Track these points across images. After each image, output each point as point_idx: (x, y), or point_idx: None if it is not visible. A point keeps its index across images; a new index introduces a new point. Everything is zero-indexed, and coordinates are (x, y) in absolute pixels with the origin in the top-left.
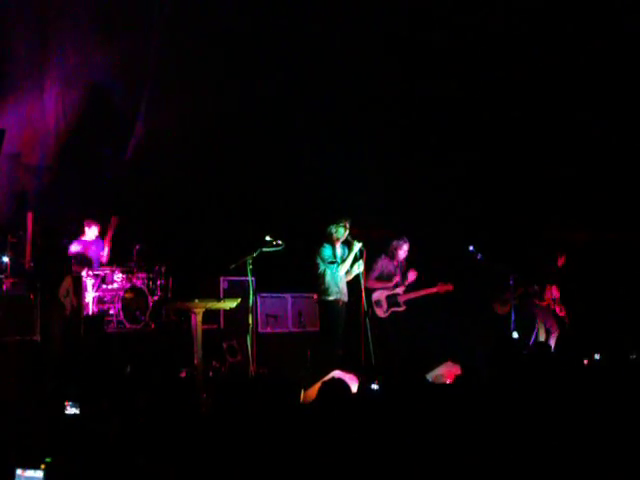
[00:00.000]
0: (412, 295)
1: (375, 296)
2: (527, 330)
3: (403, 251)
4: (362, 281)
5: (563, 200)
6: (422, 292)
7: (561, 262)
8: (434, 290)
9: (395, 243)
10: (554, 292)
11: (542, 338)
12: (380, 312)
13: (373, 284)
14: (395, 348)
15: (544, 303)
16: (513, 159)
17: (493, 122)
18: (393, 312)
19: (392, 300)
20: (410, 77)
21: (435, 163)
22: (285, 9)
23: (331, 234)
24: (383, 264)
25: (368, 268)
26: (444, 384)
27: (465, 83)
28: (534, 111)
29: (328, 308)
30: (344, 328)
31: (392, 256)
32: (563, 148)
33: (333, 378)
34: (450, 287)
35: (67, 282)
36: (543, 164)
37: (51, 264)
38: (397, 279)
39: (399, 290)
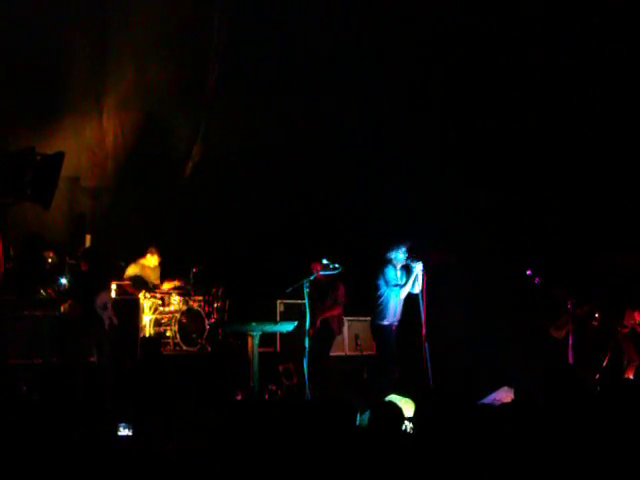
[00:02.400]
0: None
1: None
2: (587, 356)
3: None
4: (422, 304)
5: (623, 224)
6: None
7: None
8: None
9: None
10: (637, 316)
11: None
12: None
13: None
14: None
15: (626, 330)
16: (572, 183)
17: (551, 146)
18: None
19: None
20: (469, 109)
21: (493, 187)
22: (338, 32)
23: (392, 258)
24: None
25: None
26: (496, 407)
27: (519, 111)
28: (593, 135)
29: (382, 332)
30: (399, 352)
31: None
32: (621, 172)
33: (385, 402)
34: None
35: (106, 296)
36: (601, 186)
37: (30, 273)
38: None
39: None
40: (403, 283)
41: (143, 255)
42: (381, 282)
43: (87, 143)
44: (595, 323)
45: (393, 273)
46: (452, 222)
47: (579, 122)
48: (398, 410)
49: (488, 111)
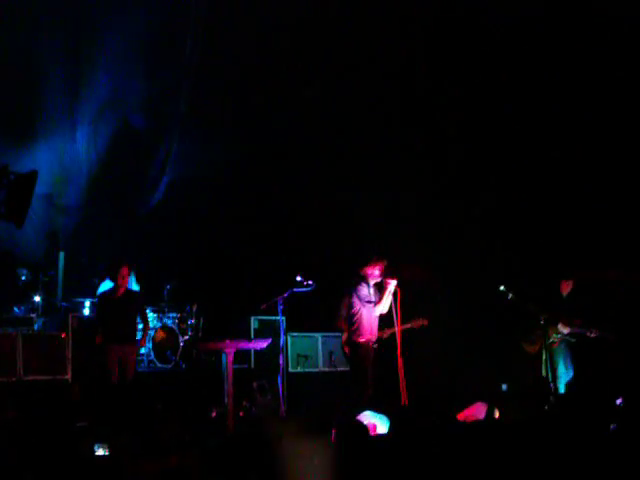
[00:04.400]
0: (385, 332)
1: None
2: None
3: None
4: (396, 320)
5: (595, 239)
6: (393, 329)
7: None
8: (407, 326)
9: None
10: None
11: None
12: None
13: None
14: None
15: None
16: (547, 198)
17: (525, 162)
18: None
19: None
20: (442, 118)
21: (467, 202)
22: (318, 52)
23: (366, 275)
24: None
25: (403, 306)
26: (472, 423)
27: (492, 126)
28: (570, 153)
29: (359, 349)
30: (374, 368)
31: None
32: (597, 185)
33: (351, 423)
34: (425, 322)
35: None
36: (578, 203)
37: (4, 291)
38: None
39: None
40: (376, 300)
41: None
42: (355, 299)
43: (60, 160)
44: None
45: (366, 290)
46: (428, 238)
47: (556, 136)
48: (363, 428)
49: (465, 123)
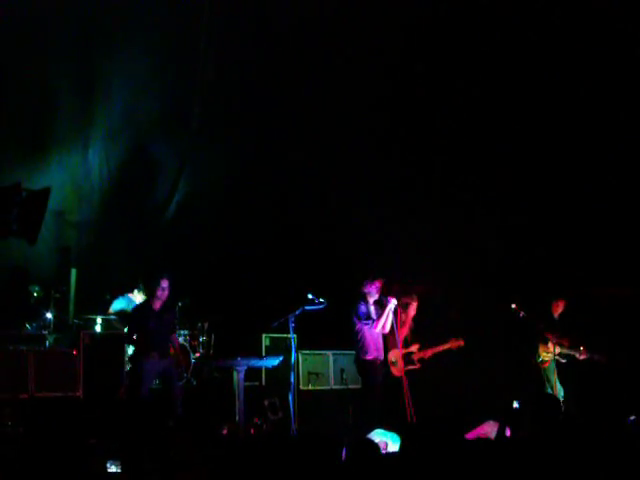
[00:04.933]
0: (427, 352)
1: (390, 356)
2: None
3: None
4: (397, 337)
5: (607, 257)
6: (436, 349)
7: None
8: (447, 346)
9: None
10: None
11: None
12: (395, 371)
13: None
14: (409, 406)
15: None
16: (557, 215)
17: (535, 178)
18: (408, 370)
19: (407, 359)
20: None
21: (476, 220)
22: (321, 61)
23: (365, 293)
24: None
25: (401, 324)
26: (483, 441)
27: (505, 143)
28: (577, 168)
29: (366, 367)
30: (384, 385)
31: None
32: (607, 202)
33: (363, 440)
34: (461, 342)
35: None
36: (584, 218)
37: (15, 308)
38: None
39: (413, 348)
40: (375, 319)
41: (131, 290)
42: (355, 318)
43: (73, 177)
44: (582, 356)
45: (364, 308)
46: (438, 255)
47: (558, 149)
48: (375, 447)
49: (468, 138)
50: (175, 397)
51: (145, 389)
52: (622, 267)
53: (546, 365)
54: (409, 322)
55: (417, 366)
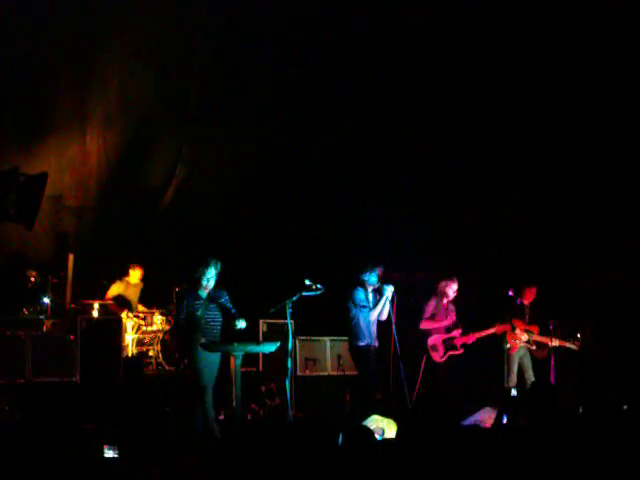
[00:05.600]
0: (470, 337)
1: (431, 341)
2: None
3: (452, 290)
4: (393, 326)
5: (608, 244)
6: (480, 334)
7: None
8: (492, 331)
9: (444, 283)
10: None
11: None
12: (437, 357)
13: (426, 324)
14: (452, 392)
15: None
16: (556, 202)
17: (532, 166)
18: (450, 356)
19: (449, 344)
20: (447, 121)
21: (476, 205)
22: (328, 56)
23: (363, 280)
24: (433, 305)
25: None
26: (480, 428)
27: (500, 130)
28: (579, 159)
29: (360, 353)
30: (380, 372)
31: (441, 296)
32: (607, 193)
33: (358, 426)
34: (508, 326)
35: None
36: (584, 205)
37: (13, 293)
38: (449, 321)
39: (455, 333)
40: (372, 306)
41: (126, 274)
42: (350, 304)
43: (70, 162)
44: (577, 344)
45: (362, 295)
46: (435, 242)
47: (554, 141)
48: (369, 433)
49: (462, 131)
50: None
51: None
52: (609, 254)
53: (513, 352)
54: (448, 305)
55: (460, 351)
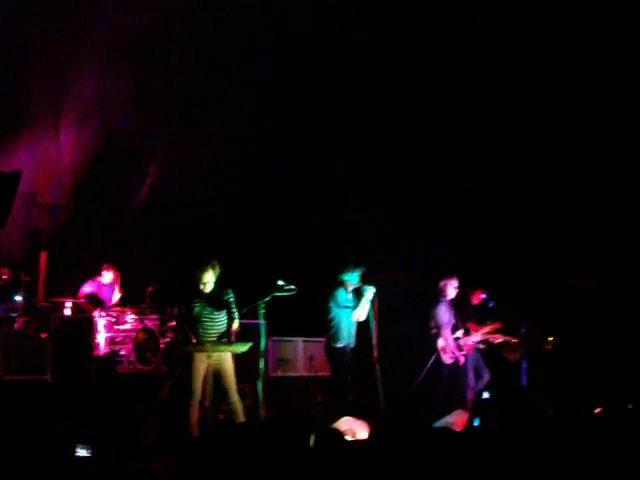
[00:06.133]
0: (472, 337)
1: (440, 343)
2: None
3: (454, 288)
4: (373, 328)
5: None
6: (479, 333)
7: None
8: (487, 329)
9: (444, 282)
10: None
11: None
12: (446, 358)
13: (447, 335)
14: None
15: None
16: (527, 205)
17: (500, 169)
18: (456, 357)
19: (455, 345)
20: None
21: (450, 208)
22: (303, 51)
23: (345, 280)
24: (444, 309)
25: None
26: (451, 431)
27: (471, 130)
28: (531, 157)
29: (336, 354)
30: (353, 374)
31: (444, 296)
32: (572, 194)
33: (328, 428)
34: (499, 324)
35: None
36: (556, 208)
37: None
38: (453, 321)
39: (459, 334)
40: (353, 306)
41: (99, 273)
42: (332, 304)
43: (44, 159)
44: (548, 347)
45: (344, 295)
46: (409, 244)
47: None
48: (339, 435)
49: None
50: None
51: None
52: (578, 258)
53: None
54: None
55: (463, 352)
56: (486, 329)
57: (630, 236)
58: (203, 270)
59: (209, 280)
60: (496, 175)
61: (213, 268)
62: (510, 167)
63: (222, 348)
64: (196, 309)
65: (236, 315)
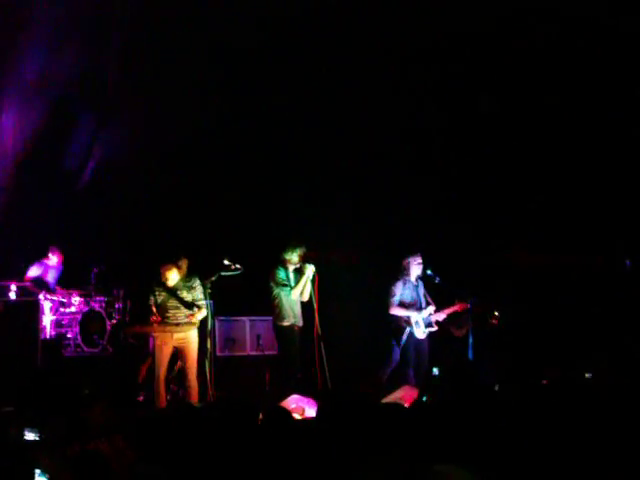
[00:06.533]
0: (441, 314)
1: (413, 318)
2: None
3: (417, 264)
4: (315, 304)
5: (522, 224)
6: (447, 310)
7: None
8: (454, 308)
9: (407, 260)
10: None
11: None
12: (419, 333)
13: (395, 310)
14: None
15: None
16: (471, 183)
17: (454, 148)
18: (429, 332)
19: (426, 321)
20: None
21: (393, 183)
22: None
23: (285, 259)
24: (400, 286)
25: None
26: (398, 406)
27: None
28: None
29: (283, 333)
30: (301, 352)
31: (406, 273)
32: (518, 168)
33: (275, 407)
34: (467, 305)
35: None
36: (502, 182)
37: None
38: (417, 301)
39: (431, 309)
40: (293, 285)
41: (45, 256)
42: (271, 283)
43: None
44: (494, 321)
45: (283, 274)
46: (352, 221)
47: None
48: (286, 413)
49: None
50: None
51: None
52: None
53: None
54: (417, 283)
55: (435, 328)
56: (452, 308)
57: (583, 213)
58: (167, 269)
59: (173, 278)
60: (449, 150)
61: (178, 268)
62: (463, 142)
63: (169, 328)
64: (159, 299)
65: (202, 304)
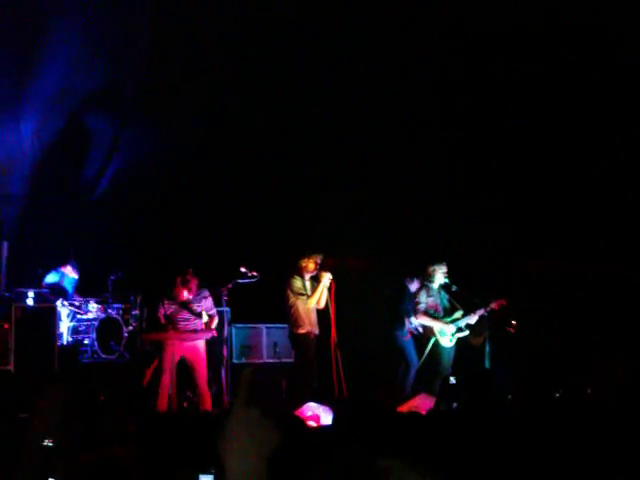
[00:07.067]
0: (471, 318)
1: (437, 326)
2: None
3: (442, 273)
4: (331, 312)
5: (535, 231)
6: (478, 313)
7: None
8: (491, 307)
9: (432, 268)
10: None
11: None
12: (445, 341)
13: (422, 318)
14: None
15: None
16: (489, 187)
17: (474, 156)
18: (457, 339)
19: (456, 326)
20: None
21: (411, 190)
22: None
23: (301, 267)
24: (423, 294)
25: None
26: (415, 414)
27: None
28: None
29: (300, 341)
30: (317, 360)
31: (431, 281)
32: (538, 175)
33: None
34: (504, 301)
35: None
36: (520, 190)
37: None
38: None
39: (458, 315)
40: (309, 293)
41: (64, 264)
42: (288, 292)
43: (5, 148)
44: (511, 330)
45: (300, 282)
46: (369, 228)
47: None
48: (300, 421)
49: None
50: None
51: None
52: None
53: (407, 338)
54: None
55: (465, 333)
56: (481, 311)
57: (603, 222)
58: (175, 285)
59: (182, 294)
60: (468, 157)
61: (189, 290)
62: (478, 149)
63: (185, 336)
64: (169, 312)
65: (214, 313)
